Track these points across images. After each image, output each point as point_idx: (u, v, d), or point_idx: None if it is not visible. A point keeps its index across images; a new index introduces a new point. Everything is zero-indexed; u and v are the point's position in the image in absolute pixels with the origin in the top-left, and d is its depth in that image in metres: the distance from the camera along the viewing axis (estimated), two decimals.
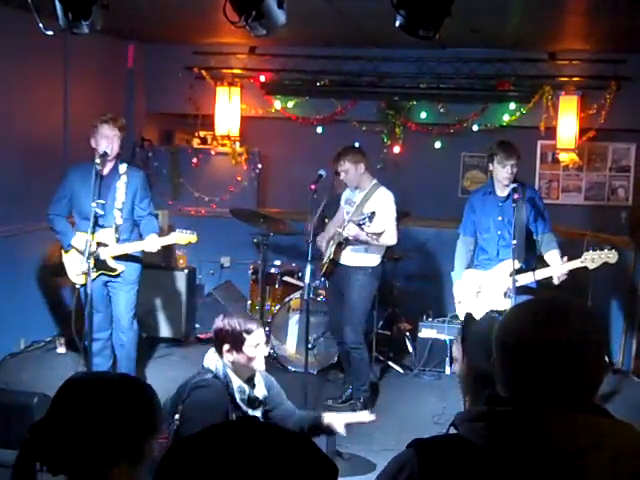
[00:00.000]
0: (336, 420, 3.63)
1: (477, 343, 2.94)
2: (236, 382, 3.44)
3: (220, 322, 3.50)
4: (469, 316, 5.26)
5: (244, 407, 3.44)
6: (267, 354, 3.56)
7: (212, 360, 3.48)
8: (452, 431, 1.56)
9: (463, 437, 1.51)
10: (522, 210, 5.12)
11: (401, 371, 6.71)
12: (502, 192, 5.30)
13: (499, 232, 5.26)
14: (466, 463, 1.47)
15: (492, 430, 1.48)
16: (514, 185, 5.14)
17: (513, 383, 1.56)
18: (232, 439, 1.28)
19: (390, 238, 5.58)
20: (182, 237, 5.33)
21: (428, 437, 1.60)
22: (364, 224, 5.29)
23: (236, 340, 3.41)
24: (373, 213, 5.25)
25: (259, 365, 3.50)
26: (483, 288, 5.24)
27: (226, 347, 3.43)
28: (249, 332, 3.42)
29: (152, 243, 5.30)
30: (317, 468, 1.27)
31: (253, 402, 3.50)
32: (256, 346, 3.44)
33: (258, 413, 3.59)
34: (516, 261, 4.92)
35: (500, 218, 5.25)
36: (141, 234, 5.53)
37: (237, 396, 3.42)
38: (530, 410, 1.49)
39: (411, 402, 6.07)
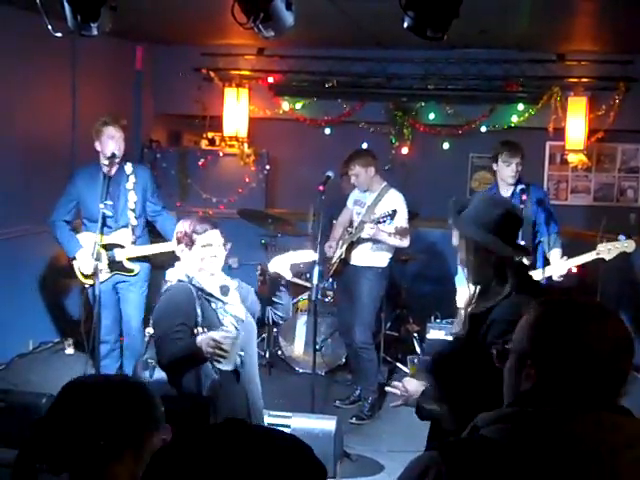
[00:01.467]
0: (279, 265, 3.70)
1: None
2: (200, 276, 3.53)
3: (178, 225, 3.66)
4: None
5: (220, 296, 3.53)
6: (223, 254, 3.60)
7: (172, 271, 3.61)
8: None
9: (488, 438, 1.49)
10: (529, 210, 5.12)
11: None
12: (506, 192, 5.30)
13: None
14: (495, 463, 1.44)
15: (520, 431, 1.47)
16: (522, 186, 5.14)
17: (540, 382, 1.55)
18: (217, 441, 1.26)
19: (404, 239, 5.59)
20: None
21: (451, 439, 1.58)
22: (385, 222, 5.27)
23: (188, 240, 3.55)
24: (394, 211, 5.23)
25: (210, 266, 3.57)
26: None
27: (181, 247, 3.58)
28: (198, 232, 3.55)
29: None
30: (304, 470, 1.26)
31: (226, 290, 3.58)
32: (205, 246, 3.53)
33: (235, 299, 3.61)
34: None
35: None
36: (161, 233, 5.51)
37: (207, 288, 3.50)
38: (559, 411, 1.48)
39: None
